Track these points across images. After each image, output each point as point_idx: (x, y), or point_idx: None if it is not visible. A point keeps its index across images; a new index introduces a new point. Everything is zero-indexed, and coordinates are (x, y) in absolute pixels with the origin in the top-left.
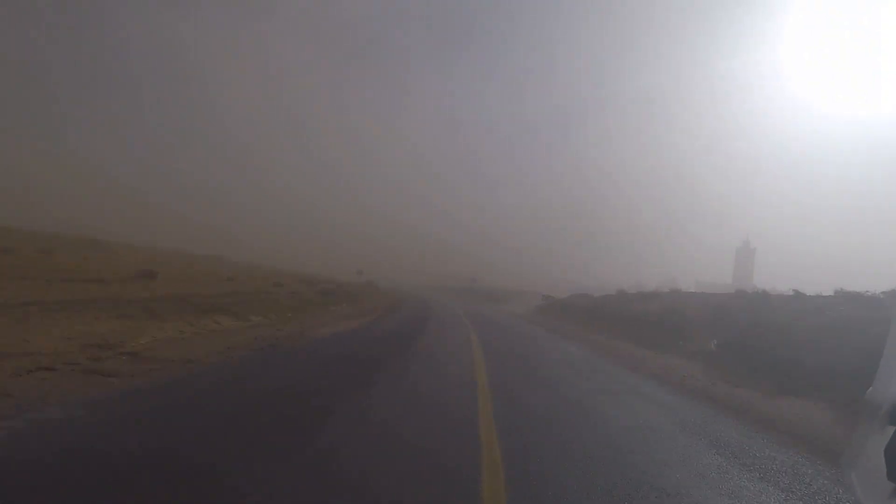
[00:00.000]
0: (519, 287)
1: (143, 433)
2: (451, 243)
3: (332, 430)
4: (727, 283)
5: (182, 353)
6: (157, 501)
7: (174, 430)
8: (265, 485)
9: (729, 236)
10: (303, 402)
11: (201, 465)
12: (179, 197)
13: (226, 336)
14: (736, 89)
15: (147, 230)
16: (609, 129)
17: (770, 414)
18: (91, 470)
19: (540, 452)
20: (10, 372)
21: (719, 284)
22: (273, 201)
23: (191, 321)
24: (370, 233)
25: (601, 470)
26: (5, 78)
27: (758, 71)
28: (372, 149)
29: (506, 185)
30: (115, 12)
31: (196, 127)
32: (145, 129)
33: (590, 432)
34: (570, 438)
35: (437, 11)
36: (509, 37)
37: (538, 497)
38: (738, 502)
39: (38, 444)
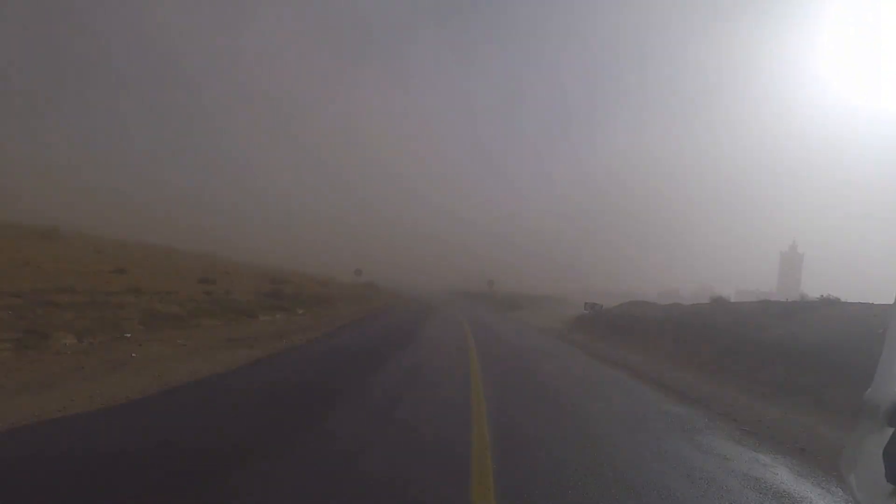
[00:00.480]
0: (542, 292)
1: None
2: (468, 244)
3: None
4: (770, 291)
5: None
6: None
7: None
8: None
9: (769, 241)
10: None
11: None
12: (184, 197)
13: None
14: (782, 86)
15: (146, 229)
16: (637, 127)
17: None
18: None
19: None
20: None
21: (763, 293)
22: (279, 201)
23: None
24: (380, 234)
25: None
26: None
27: (805, 68)
28: (381, 145)
29: (525, 185)
30: (103, 10)
31: (197, 126)
32: (144, 127)
33: None
34: None
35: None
36: (536, 19)
37: None
38: None
39: None
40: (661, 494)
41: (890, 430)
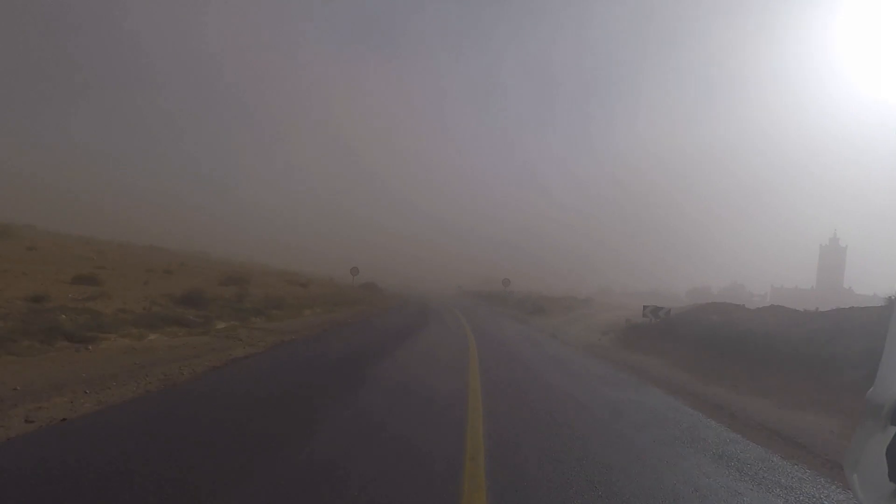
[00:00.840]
0: (560, 292)
1: None
2: (479, 242)
3: None
4: (809, 287)
5: None
6: None
7: None
8: None
9: (806, 233)
10: None
11: None
12: (191, 196)
13: None
14: (817, 68)
15: (148, 228)
16: (658, 117)
17: None
18: None
19: None
20: None
21: (803, 290)
22: (285, 202)
23: None
24: (388, 233)
25: None
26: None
27: (844, 52)
28: (386, 139)
29: (540, 178)
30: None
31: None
32: (141, 120)
33: None
34: None
35: None
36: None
37: None
38: None
39: None
40: None
41: (893, 430)
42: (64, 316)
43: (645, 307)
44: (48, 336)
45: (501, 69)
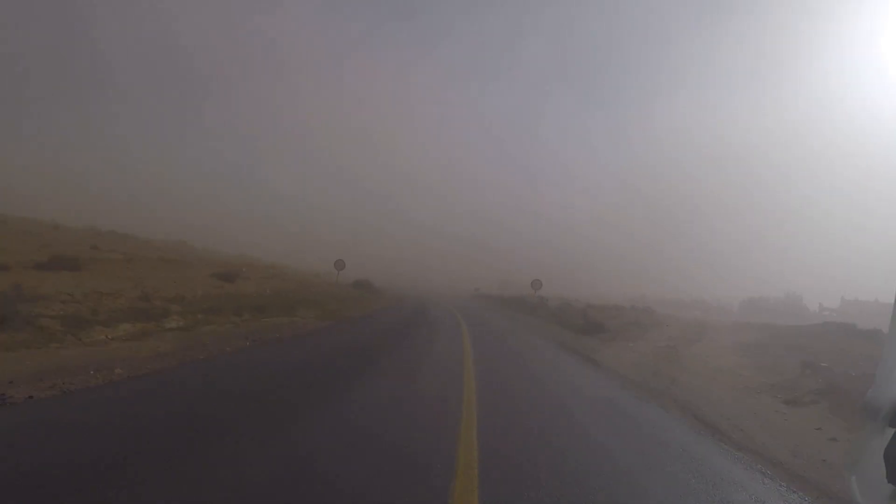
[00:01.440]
0: (592, 298)
1: None
2: (502, 242)
3: None
4: (888, 300)
5: None
6: None
7: None
8: None
9: (885, 235)
10: None
11: None
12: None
13: None
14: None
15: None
16: (695, 107)
17: None
18: None
19: None
20: None
21: (883, 304)
22: (293, 199)
23: None
24: (400, 230)
25: None
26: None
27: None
28: (395, 133)
29: (570, 174)
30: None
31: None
32: (138, 115)
33: None
34: None
35: None
36: None
37: None
38: None
39: None
40: None
41: (891, 432)
42: None
43: None
44: None
45: (516, 69)
